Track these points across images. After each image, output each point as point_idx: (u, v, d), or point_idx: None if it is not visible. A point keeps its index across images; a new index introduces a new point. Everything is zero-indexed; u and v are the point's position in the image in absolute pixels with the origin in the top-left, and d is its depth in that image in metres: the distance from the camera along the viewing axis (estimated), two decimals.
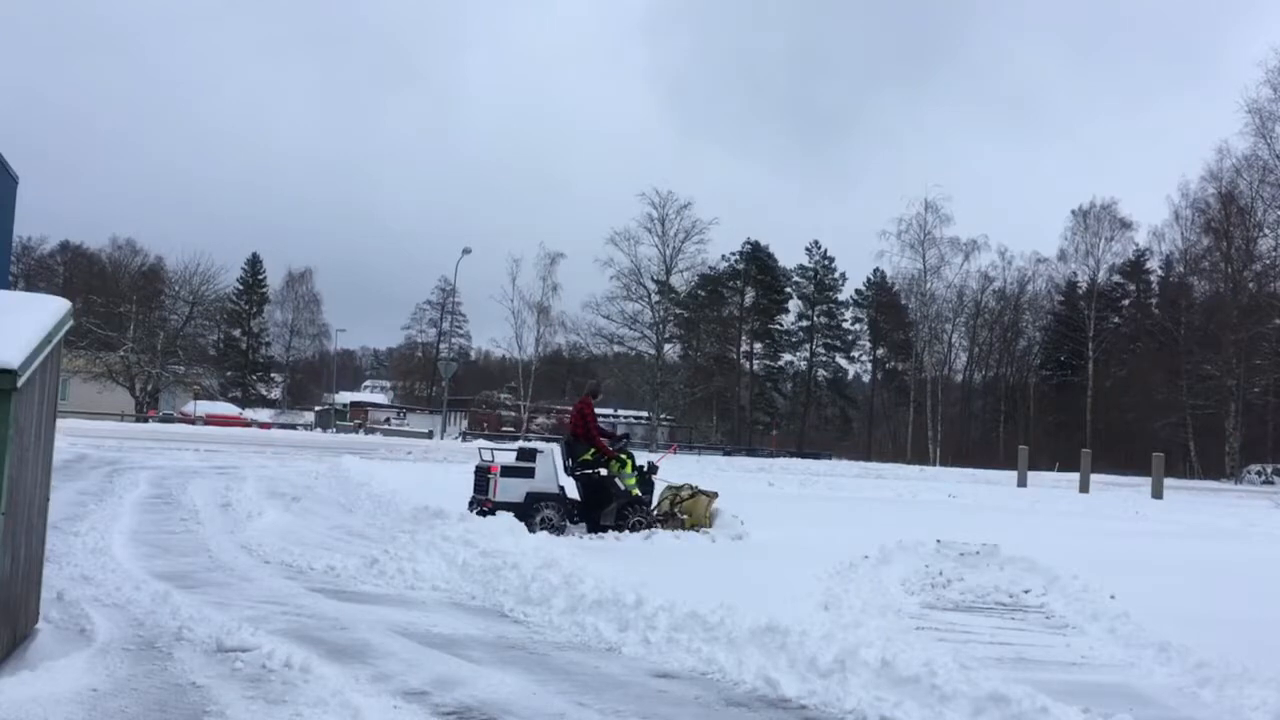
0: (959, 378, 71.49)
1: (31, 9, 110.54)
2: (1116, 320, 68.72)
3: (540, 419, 55.38)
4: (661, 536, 11.39)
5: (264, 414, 63.17)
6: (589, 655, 6.44)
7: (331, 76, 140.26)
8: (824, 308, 74.10)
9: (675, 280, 64.24)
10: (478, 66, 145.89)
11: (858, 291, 74.47)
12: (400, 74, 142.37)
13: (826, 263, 74.15)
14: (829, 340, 74.35)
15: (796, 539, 11.79)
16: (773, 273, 73.34)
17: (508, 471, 11.83)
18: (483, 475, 12.07)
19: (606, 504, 12.16)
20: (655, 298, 63.28)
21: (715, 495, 12.84)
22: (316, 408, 72.31)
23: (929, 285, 66.05)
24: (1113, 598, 8.26)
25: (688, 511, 12.48)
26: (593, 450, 12.20)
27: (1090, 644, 7.22)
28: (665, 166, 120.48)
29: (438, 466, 23.79)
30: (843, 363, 75.60)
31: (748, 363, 73.03)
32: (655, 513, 12.40)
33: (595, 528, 11.89)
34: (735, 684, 5.83)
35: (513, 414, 55.25)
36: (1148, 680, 6.24)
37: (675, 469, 23.72)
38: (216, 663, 5.66)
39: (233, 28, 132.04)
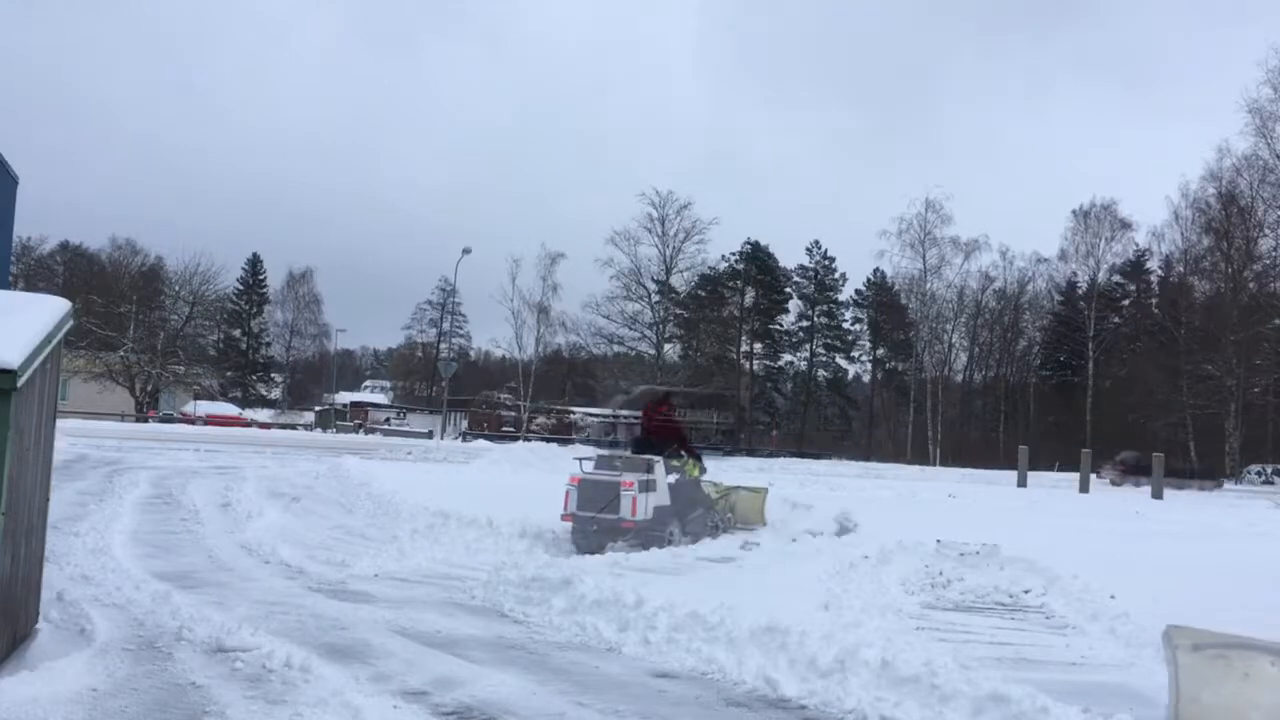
0: (959, 378, 71.41)
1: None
2: (1116, 320, 68.61)
3: (540, 419, 55.27)
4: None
5: (264, 414, 63.11)
6: (589, 655, 6.44)
7: (332, 76, 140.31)
8: (824, 308, 74.07)
9: (675, 280, 64.27)
10: (481, 62, 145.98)
11: (858, 291, 74.45)
12: (402, 73, 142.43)
13: (827, 263, 74.15)
14: (829, 340, 74.30)
15: (796, 539, 11.79)
16: (773, 273, 73.32)
17: (644, 486, 10.97)
18: (600, 490, 10.95)
19: (692, 510, 11.87)
20: (655, 298, 63.26)
21: (764, 491, 13.48)
22: (316, 408, 72.19)
23: (929, 285, 66.05)
24: (1113, 598, 8.26)
25: (734, 510, 12.95)
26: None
27: (1090, 644, 7.21)
28: (666, 170, 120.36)
29: (437, 466, 23.80)
30: (843, 363, 75.55)
31: (748, 363, 72.99)
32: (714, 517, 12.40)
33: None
34: (735, 684, 5.83)
35: (512, 414, 55.16)
36: (1148, 680, 6.23)
37: None
38: (216, 663, 5.66)
39: (233, 19, 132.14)
